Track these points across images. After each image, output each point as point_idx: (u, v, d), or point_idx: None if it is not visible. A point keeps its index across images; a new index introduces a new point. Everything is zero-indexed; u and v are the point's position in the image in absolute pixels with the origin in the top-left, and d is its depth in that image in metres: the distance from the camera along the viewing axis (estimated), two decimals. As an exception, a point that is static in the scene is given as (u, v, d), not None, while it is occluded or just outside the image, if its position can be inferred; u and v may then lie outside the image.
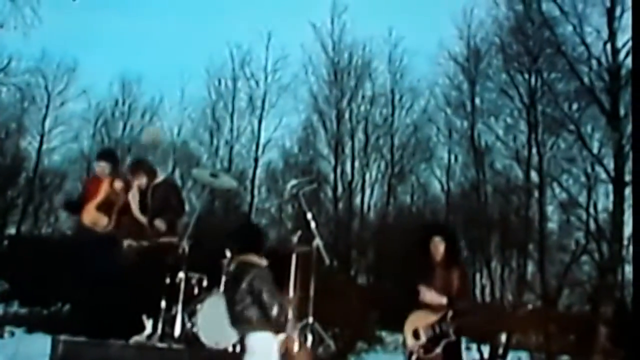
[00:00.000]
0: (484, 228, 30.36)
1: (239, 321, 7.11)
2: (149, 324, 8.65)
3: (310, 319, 8.78)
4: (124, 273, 8.97)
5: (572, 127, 27.24)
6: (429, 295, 8.20)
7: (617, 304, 23.62)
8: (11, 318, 20.43)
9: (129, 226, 9.15)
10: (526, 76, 29.90)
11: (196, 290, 8.87)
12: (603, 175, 26.80)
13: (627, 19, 24.06)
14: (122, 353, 7.94)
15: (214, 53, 36.34)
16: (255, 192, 35.43)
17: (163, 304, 8.76)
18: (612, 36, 25.90)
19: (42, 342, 8.95)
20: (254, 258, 7.26)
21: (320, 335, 8.77)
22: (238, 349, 8.35)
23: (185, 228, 9.32)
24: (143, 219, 8.96)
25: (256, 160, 35.35)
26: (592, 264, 27.16)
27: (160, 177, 9.30)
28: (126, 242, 9.11)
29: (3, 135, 34.66)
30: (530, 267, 29.59)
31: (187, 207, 11.00)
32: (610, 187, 26.13)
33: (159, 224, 8.84)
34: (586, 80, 26.62)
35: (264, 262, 7.29)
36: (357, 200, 34.30)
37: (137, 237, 9.03)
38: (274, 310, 6.96)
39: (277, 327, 7.08)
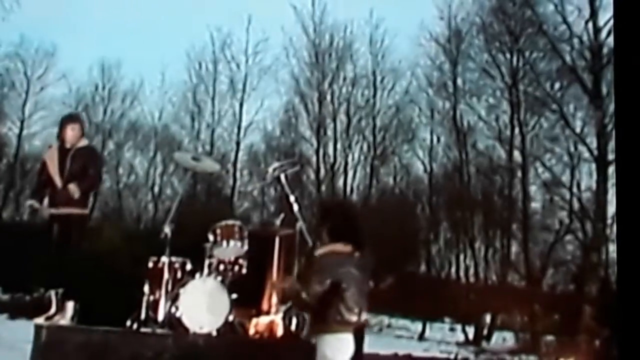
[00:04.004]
0: (467, 209, 30.44)
1: None
2: (54, 303, 8.56)
3: (295, 302, 8.72)
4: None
5: (554, 106, 27.38)
6: None
7: (602, 283, 23.68)
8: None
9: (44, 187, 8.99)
10: (508, 56, 30.02)
11: (179, 275, 8.77)
12: (586, 154, 26.97)
13: (609, -4, 24.07)
14: (105, 338, 7.85)
15: (194, 36, 36.30)
16: (238, 175, 35.44)
17: (146, 288, 8.67)
18: (594, 14, 25.95)
19: (25, 328, 8.87)
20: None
21: (304, 317, 8.71)
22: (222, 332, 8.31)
23: (168, 212, 9.18)
24: (58, 181, 8.70)
25: (238, 143, 35.33)
26: (576, 243, 27.31)
27: (84, 142, 9.04)
28: (28, 202, 9.01)
29: (-17, 121, 34.52)
30: (514, 247, 29.74)
31: (169, 191, 10.87)
32: (594, 166, 26.26)
33: (73, 188, 8.55)
34: (568, 59, 26.75)
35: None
36: (340, 182, 34.24)
37: (47, 199, 8.83)
38: None
39: None
